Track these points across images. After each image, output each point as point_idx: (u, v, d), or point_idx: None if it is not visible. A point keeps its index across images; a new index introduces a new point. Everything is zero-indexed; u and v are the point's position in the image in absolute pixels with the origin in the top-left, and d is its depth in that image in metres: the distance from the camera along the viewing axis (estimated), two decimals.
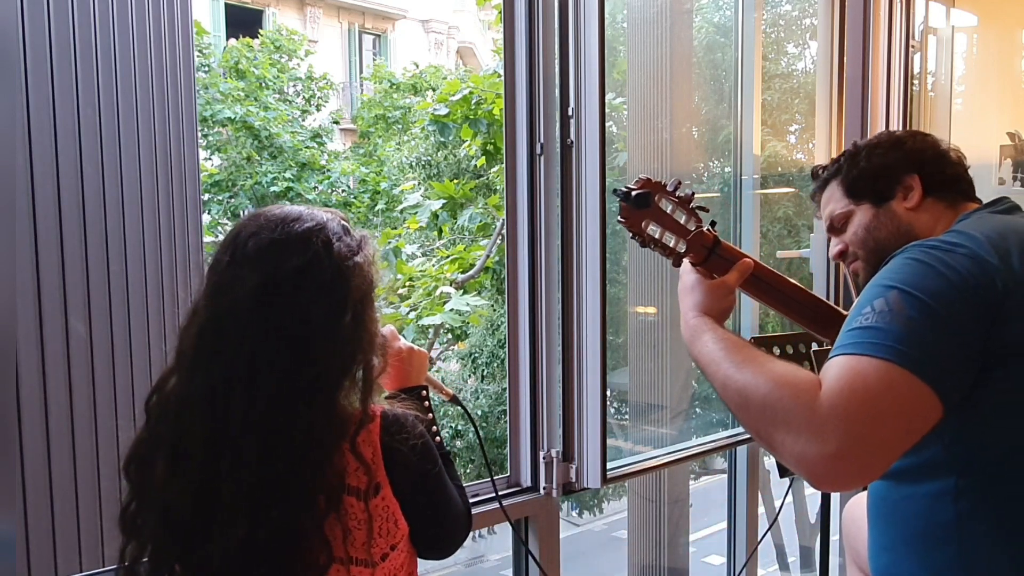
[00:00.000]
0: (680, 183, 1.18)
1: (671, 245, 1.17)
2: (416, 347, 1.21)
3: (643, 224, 1.16)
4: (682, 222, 1.17)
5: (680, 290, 1.20)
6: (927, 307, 0.89)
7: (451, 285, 6.18)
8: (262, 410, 0.88)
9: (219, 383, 0.88)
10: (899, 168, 1.21)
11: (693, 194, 1.18)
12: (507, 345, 1.76)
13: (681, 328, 1.16)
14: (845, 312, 1.29)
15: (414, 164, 9.92)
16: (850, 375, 0.86)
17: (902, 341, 0.86)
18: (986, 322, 0.90)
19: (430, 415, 1.15)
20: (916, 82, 2.74)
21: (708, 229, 1.18)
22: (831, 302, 1.34)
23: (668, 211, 1.16)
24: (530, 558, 1.73)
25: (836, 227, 1.29)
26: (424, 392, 1.19)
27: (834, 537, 2.37)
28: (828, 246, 1.34)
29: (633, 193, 1.15)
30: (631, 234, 1.18)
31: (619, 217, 1.17)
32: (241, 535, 0.87)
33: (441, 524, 1.03)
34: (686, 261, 1.20)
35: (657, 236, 1.17)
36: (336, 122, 12.53)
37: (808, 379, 0.89)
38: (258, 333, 0.88)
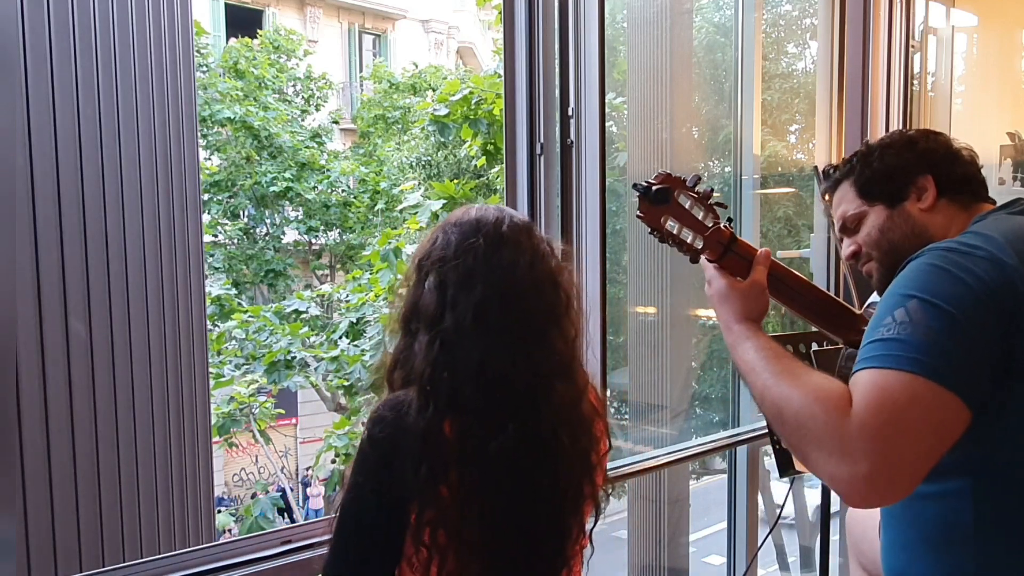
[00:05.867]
0: (699, 179, 1.16)
1: (689, 241, 1.15)
2: None
3: (662, 220, 1.15)
4: (700, 218, 1.15)
5: (714, 298, 1.19)
6: (948, 315, 0.88)
7: None
8: (559, 361, 1.03)
9: (511, 347, 1.00)
10: (912, 169, 1.20)
11: (712, 190, 1.16)
12: None
13: (724, 336, 1.16)
14: (855, 309, 1.29)
15: (414, 164, 9.93)
16: (876, 392, 0.86)
17: (925, 352, 0.86)
18: (1005, 326, 0.89)
19: None
20: (916, 82, 2.74)
21: (725, 225, 1.17)
22: None
23: (687, 207, 1.15)
24: None
25: (849, 228, 1.27)
26: None
27: (834, 537, 2.37)
28: (840, 246, 1.32)
29: (653, 188, 1.14)
30: (649, 229, 1.16)
31: (638, 212, 1.15)
32: (569, 473, 1.03)
33: None
34: (711, 266, 1.19)
35: (675, 232, 1.15)
36: (336, 122, 12.53)
37: (840, 395, 0.88)
38: (535, 300, 1.03)
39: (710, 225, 1.15)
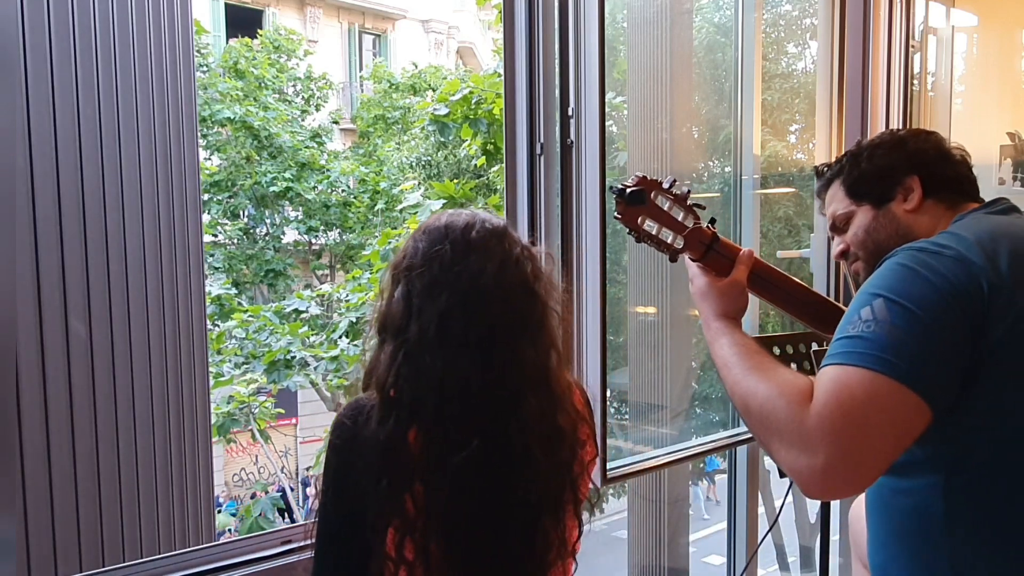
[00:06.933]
0: (675, 180, 1.20)
1: (668, 241, 1.19)
2: None
3: (639, 220, 1.18)
4: (679, 219, 1.19)
5: (696, 295, 1.22)
6: (912, 315, 0.89)
7: None
8: (531, 372, 0.99)
9: (476, 357, 0.96)
10: (900, 169, 1.21)
11: (689, 191, 1.20)
12: None
13: (704, 332, 1.19)
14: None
15: (414, 164, 9.93)
16: (836, 387, 0.88)
17: (887, 350, 0.87)
18: (972, 325, 0.90)
19: None
20: (916, 82, 2.74)
21: (707, 226, 1.20)
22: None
23: (665, 208, 1.19)
24: None
25: (838, 227, 1.29)
26: None
27: (834, 537, 2.37)
28: (831, 245, 1.35)
29: (628, 190, 1.18)
30: (628, 230, 1.20)
31: (615, 213, 1.20)
32: (545, 485, 0.99)
33: None
34: (694, 265, 1.22)
35: (654, 232, 1.19)
36: (336, 122, 12.53)
37: (801, 390, 0.91)
38: (504, 308, 0.98)
39: (690, 225, 1.19)
